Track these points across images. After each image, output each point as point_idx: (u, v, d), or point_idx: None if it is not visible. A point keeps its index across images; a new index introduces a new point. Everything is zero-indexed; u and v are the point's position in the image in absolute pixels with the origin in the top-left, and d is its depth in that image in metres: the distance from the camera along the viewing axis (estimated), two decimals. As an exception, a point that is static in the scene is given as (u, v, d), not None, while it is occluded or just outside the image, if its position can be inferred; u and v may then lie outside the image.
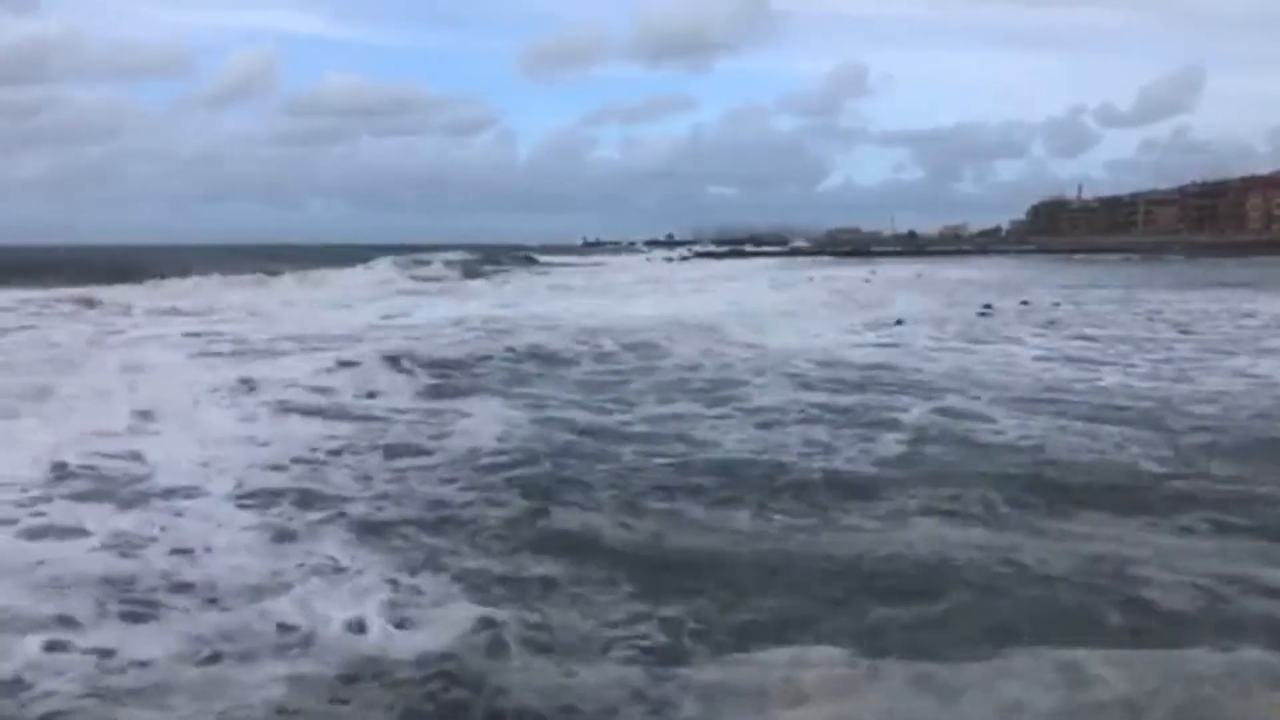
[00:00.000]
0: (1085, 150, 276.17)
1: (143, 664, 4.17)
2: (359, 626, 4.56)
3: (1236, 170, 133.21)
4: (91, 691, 3.94)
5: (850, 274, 47.42)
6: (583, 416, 9.75)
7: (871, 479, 7.32)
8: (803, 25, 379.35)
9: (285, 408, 9.75)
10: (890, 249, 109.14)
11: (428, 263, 46.12)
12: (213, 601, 4.85)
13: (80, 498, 6.62)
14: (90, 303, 24.08)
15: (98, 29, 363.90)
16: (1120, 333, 18.73)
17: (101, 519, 6.08)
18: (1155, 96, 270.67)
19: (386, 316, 21.87)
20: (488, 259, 55.77)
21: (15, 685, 3.98)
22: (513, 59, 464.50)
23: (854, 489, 7.00)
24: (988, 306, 24.03)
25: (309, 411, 9.66)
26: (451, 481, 7.16)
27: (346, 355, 13.14)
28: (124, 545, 5.61)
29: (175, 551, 5.54)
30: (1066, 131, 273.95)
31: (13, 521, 5.99)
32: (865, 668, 4.05)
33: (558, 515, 6.22)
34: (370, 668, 4.18)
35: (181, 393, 10.00)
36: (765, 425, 9.30)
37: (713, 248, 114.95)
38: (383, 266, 43.10)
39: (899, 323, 20.13)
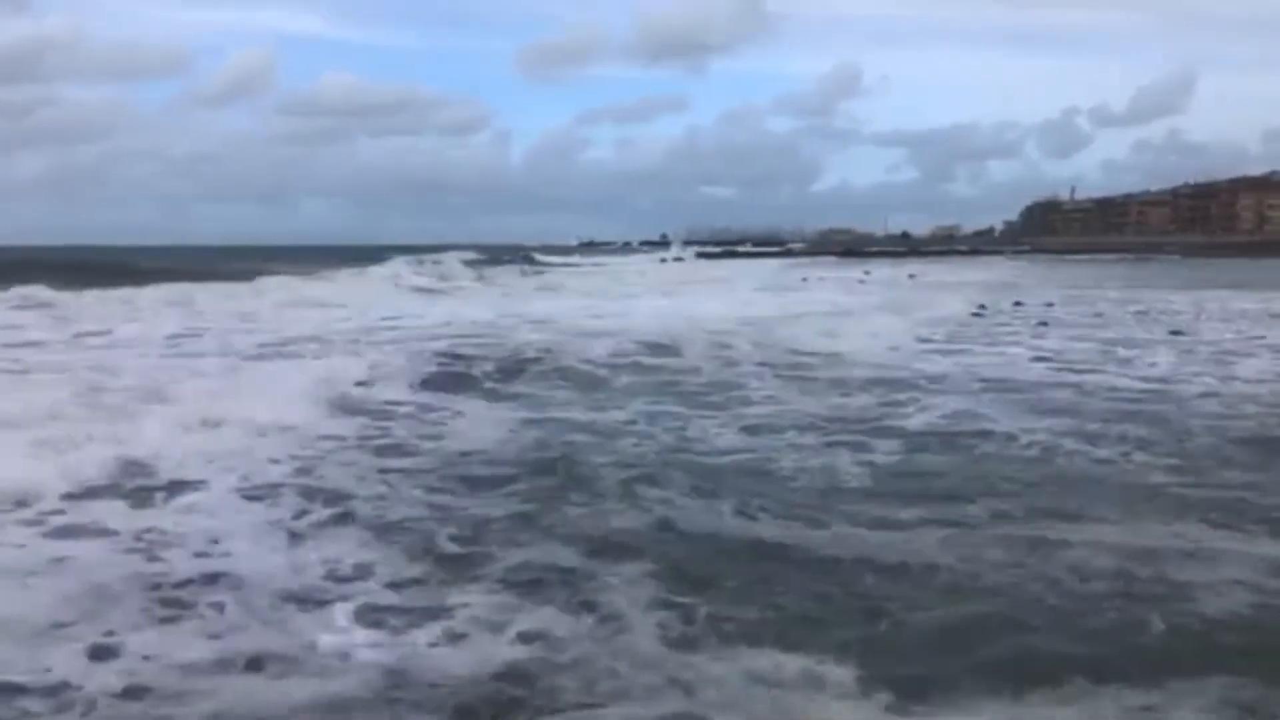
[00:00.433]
0: (1079, 151, 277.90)
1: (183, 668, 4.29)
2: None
3: (1228, 171, 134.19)
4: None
5: (850, 275, 47.68)
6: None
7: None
8: (798, 26, 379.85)
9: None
10: (886, 249, 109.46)
11: (439, 262, 46.33)
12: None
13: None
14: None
15: (94, 28, 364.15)
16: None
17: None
18: (1148, 98, 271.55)
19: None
20: (492, 260, 55.84)
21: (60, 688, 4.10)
22: (508, 59, 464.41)
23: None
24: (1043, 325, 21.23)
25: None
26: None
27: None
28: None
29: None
30: (1060, 132, 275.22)
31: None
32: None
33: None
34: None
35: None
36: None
37: (710, 249, 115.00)
38: (401, 267, 43.30)
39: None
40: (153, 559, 5.62)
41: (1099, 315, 23.51)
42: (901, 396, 11.28)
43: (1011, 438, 9.02)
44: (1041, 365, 14.36)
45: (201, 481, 7.23)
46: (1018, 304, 26.61)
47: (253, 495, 6.96)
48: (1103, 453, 8.42)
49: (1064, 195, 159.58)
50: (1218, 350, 16.08)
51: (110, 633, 4.61)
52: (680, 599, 5.00)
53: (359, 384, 11.31)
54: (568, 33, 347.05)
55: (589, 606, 4.93)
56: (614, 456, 8.19)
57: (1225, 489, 7.23)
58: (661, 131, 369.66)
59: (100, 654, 4.40)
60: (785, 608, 4.96)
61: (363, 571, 5.47)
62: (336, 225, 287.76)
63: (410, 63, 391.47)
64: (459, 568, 5.56)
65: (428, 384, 11.78)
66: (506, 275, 46.45)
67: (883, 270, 54.34)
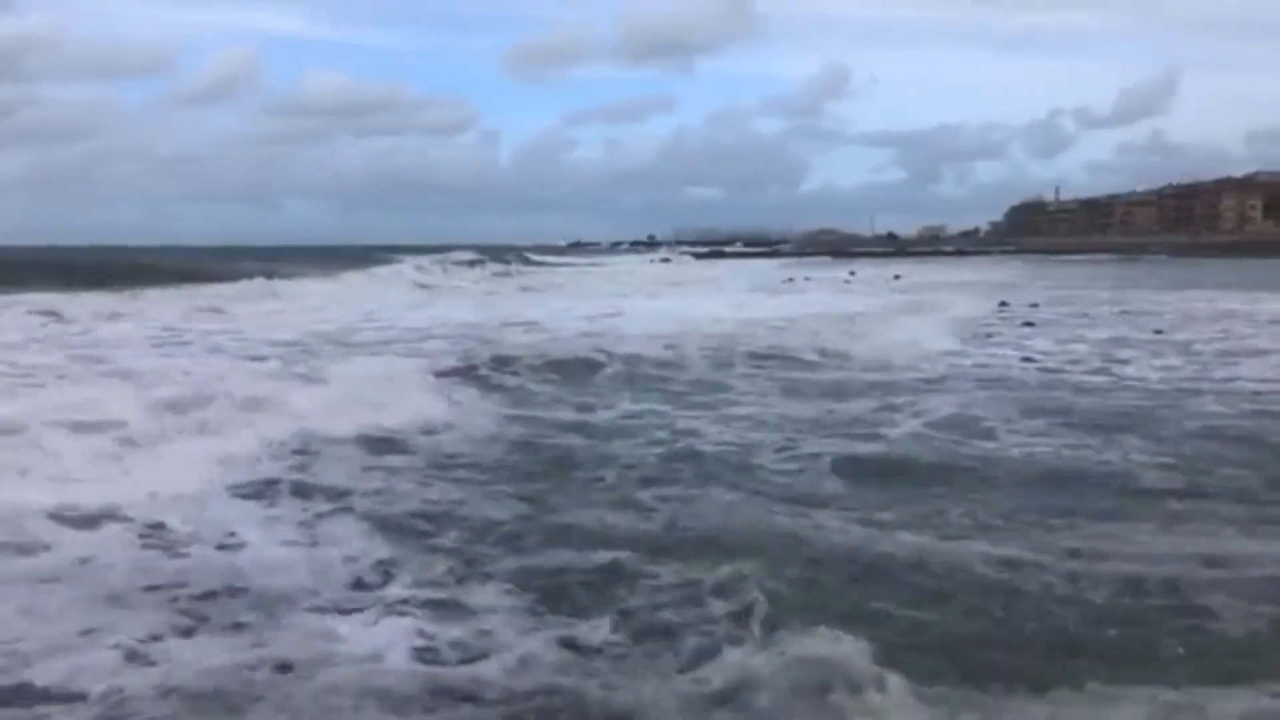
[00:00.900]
0: (1063, 152, 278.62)
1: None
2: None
3: (1212, 172, 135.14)
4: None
5: (851, 275, 47.63)
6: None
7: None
8: (785, 27, 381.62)
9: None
10: (872, 250, 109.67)
11: (442, 262, 46.71)
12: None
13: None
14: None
15: (77, 26, 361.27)
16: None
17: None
18: (1132, 99, 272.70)
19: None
20: (492, 259, 55.80)
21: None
22: (495, 59, 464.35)
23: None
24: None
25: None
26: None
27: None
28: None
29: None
30: (1045, 133, 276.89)
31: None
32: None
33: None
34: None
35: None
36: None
37: (698, 249, 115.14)
38: (410, 268, 43.72)
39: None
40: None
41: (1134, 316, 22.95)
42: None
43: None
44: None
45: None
46: (1033, 305, 26.09)
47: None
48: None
49: (1049, 196, 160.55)
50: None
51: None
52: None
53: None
54: (554, 33, 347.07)
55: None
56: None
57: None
58: (648, 132, 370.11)
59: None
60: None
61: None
62: (322, 225, 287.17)
63: (396, 63, 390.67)
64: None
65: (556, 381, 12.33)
66: (523, 275, 46.37)
67: (877, 270, 53.92)
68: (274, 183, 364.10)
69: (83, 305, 23.04)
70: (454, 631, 4.76)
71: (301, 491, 7.22)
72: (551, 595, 5.26)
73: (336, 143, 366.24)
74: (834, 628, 4.53)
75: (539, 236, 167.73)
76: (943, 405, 10.72)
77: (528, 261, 59.76)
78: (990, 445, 8.94)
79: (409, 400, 10.06)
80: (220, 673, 4.29)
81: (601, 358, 13.80)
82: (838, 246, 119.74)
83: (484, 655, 4.53)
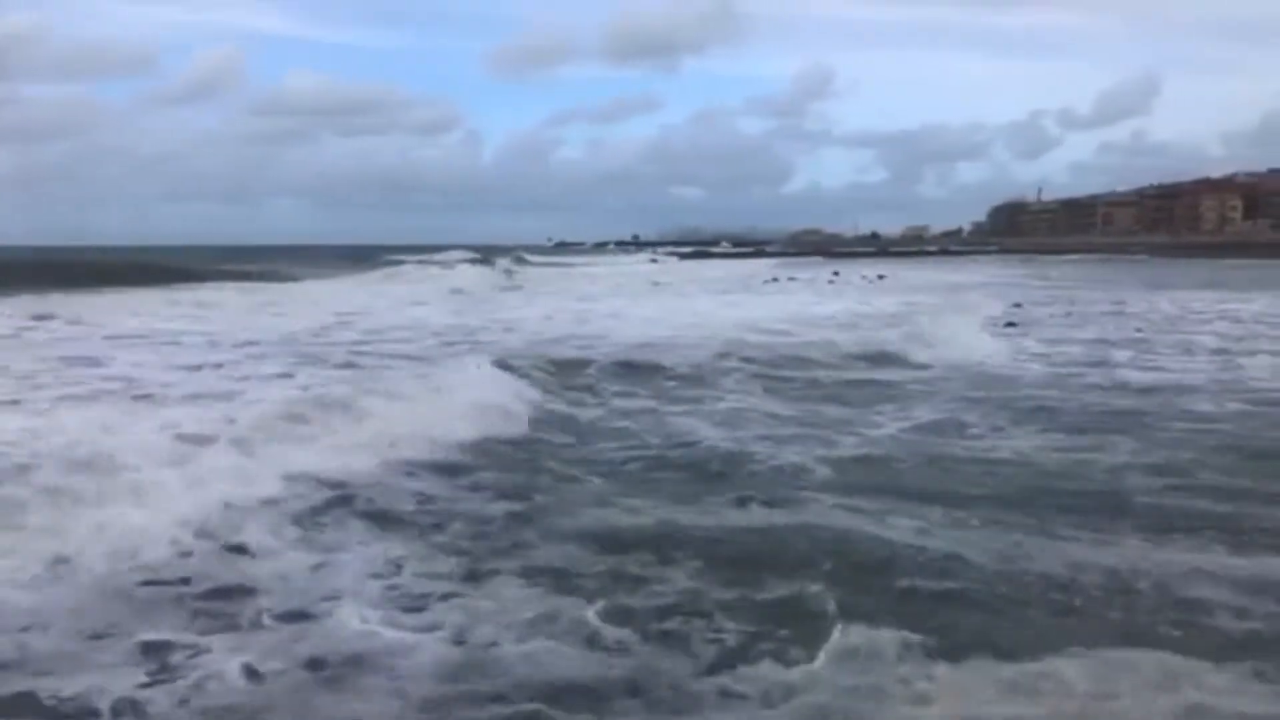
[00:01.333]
0: (1045, 152, 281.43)
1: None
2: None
3: (1192, 173, 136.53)
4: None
5: (851, 275, 47.47)
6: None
7: None
8: (769, 28, 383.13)
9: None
10: (858, 250, 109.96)
11: (446, 263, 47.18)
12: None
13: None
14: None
15: (58, 25, 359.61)
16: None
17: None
18: (1114, 100, 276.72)
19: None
20: (487, 260, 55.75)
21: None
22: (480, 60, 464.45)
23: None
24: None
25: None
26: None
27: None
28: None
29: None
30: (1027, 134, 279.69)
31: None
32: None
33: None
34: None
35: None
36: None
37: (683, 250, 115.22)
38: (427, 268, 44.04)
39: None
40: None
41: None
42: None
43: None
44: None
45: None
46: (1067, 313, 24.88)
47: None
48: None
49: (1031, 196, 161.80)
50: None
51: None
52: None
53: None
54: (539, 34, 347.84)
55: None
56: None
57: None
58: (633, 132, 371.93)
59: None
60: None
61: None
62: (305, 225, 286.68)
63: (380, 63, 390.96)
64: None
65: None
66: (529, 276, 46.35)
67: (867, 271, 53.38)
68: (257, 182, 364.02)
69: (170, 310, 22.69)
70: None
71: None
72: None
73: (320, 142, 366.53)
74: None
75: (523, 236, 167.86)
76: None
77: (523, 261, 59.74)
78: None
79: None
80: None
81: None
82: (822, 246, 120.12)
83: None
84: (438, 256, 49.56)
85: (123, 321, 19.30)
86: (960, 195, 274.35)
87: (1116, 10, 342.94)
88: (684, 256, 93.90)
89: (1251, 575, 5.42)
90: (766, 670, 4.34)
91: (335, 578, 5.44)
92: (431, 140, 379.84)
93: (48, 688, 4.17)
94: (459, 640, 4.67)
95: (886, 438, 9.23)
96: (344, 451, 7.79)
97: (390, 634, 4.71)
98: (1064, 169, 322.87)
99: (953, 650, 4.44)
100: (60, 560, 5.37)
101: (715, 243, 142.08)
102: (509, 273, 45.31)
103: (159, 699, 4.10)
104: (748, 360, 13.75)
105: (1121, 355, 15.43)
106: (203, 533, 5.97)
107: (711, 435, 9.23)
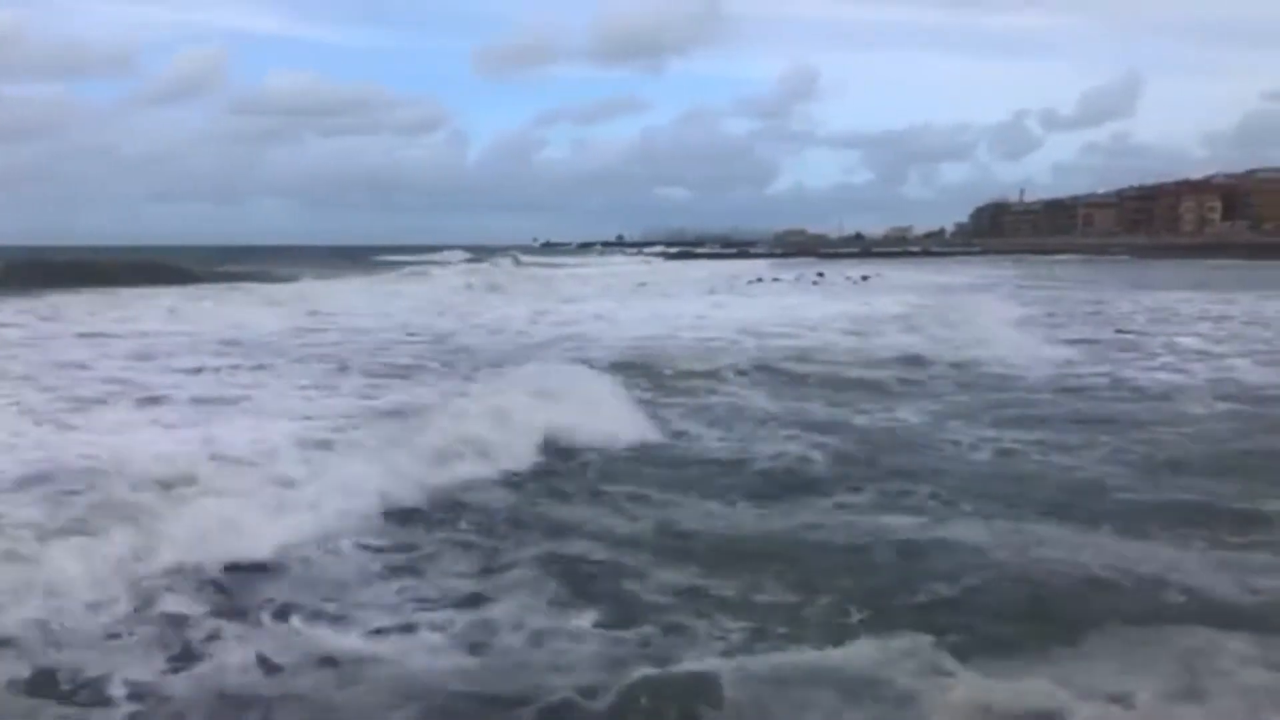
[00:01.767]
0: (1028, 153, 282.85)
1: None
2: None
3: (1172, 174, 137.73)
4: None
5: (855, 276, 47.52)
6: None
7: None
8: (755, 28, 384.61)
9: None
10: (844, 251, 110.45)
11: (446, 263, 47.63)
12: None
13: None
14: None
15: (37, 24, 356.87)
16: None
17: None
18: (1096, 101, 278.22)
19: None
20: (479, 259, 55.73)
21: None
22: (465, 59, 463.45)
23: None
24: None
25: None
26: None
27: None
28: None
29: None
30: (1010, 135, 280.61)
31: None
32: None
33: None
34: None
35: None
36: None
37: (668, 250, 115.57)
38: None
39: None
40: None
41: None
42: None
43: None
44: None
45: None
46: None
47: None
48: None
49: (1013, 197, 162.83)
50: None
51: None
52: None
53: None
54: (525, 33, 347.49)
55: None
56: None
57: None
58: (618, 133, 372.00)
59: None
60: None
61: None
62: (289, 225, 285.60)
63: (365, 62, 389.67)
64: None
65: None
66: (553, 276, 46.66)
67: (851, 271, 53.30)
68: (240, 182, 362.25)
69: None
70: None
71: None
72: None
73: (304, 142, 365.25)
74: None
75: (508, 237, 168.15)
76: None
77: (519, 263, 60.03)
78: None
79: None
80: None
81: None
82: (808, 247, 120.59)
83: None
84: (437, 257, 49.81)
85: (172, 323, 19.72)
86: (944, 196, 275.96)
87: (1099, 12, 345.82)
88: (669, 257, 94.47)
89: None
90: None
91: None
92: (416, 140, 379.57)
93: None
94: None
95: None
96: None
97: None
98: (1046, 170, 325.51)
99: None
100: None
101: (700, 243, 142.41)
102: (514, 272, 45.63)
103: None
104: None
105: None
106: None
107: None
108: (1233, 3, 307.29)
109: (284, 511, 6.17)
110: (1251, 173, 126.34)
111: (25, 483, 6.62)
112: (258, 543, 5.76)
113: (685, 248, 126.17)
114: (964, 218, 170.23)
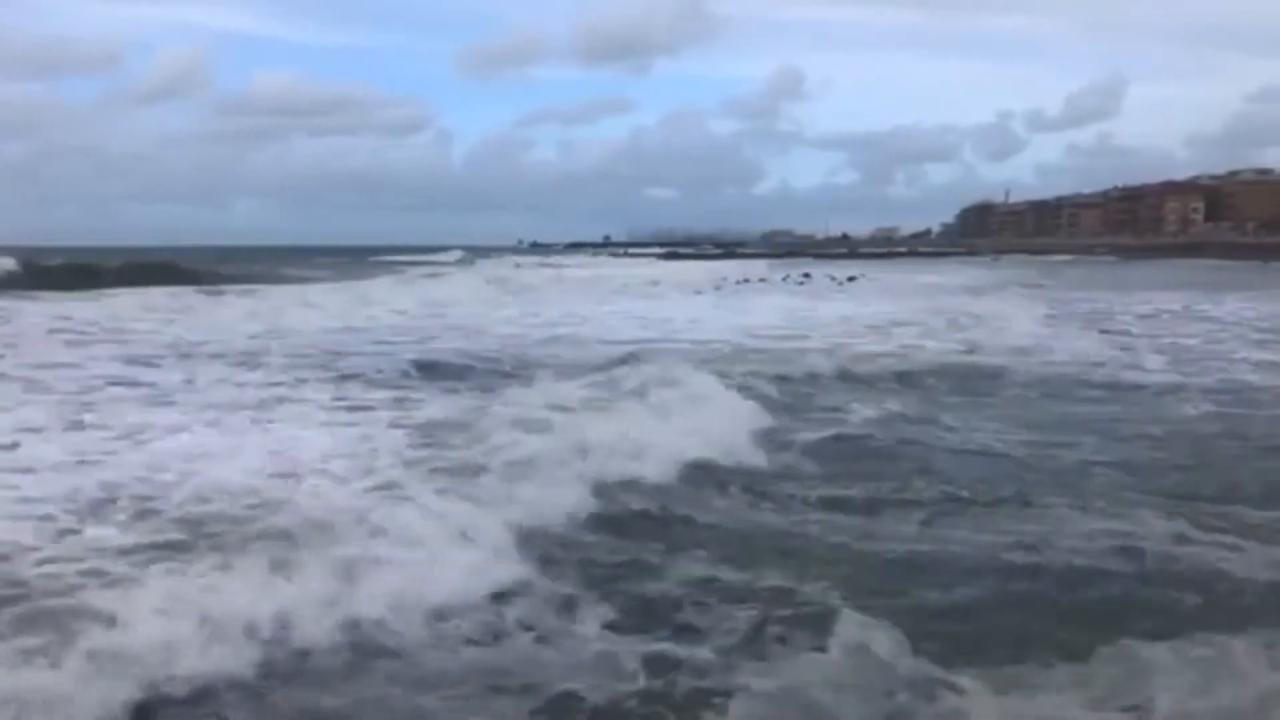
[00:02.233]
0: (1013, 155, 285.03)
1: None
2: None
3: (1156, 175, 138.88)
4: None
5: (841, 276, 47.60)
6: None
7: None
8: (741, 29, 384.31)
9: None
10: (834, 252, 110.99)
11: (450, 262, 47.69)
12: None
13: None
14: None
15: (17, 22, 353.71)
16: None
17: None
18: (1081, 103, 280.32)
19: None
20: (480, 258, 55.56)
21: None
22: (450, 60, 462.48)
23: None
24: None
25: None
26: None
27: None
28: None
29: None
30: (995, 136, 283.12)
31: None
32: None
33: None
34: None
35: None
36: None
37: (654, 251, 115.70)
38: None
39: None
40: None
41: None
42: None
43: None
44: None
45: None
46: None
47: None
48: None
49: (999, 198, 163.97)
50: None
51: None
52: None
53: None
54: (511, 34, 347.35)
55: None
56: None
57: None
58: (604, 133, 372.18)
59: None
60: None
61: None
62: (275, 225, 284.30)
63: (350, 62, 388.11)
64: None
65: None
66: (563, 277, 46.82)
67: (854, 271, 53.21)
68: (225, 182, 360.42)
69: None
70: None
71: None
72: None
73: (289, 142, 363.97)
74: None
75: (494, 237, 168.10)
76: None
77: (517, 266, 60.23)
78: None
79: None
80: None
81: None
82: (796, 248, 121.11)
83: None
84: (436, 257, 49.84)
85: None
86: (929, 197, 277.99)
87: (1084, 15, 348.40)
88: (659, 258, 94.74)
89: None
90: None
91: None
92: (402, 141, 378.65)
93: None
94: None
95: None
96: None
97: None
98: (1032, 171, 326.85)
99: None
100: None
101: (688, 244, 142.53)
102: (527, 273, 45.82)
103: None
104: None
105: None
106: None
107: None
108: (1216, 6, 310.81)
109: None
110: (1234, 173, 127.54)
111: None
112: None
113: (672, 248, 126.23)
114: (950, 218, 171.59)
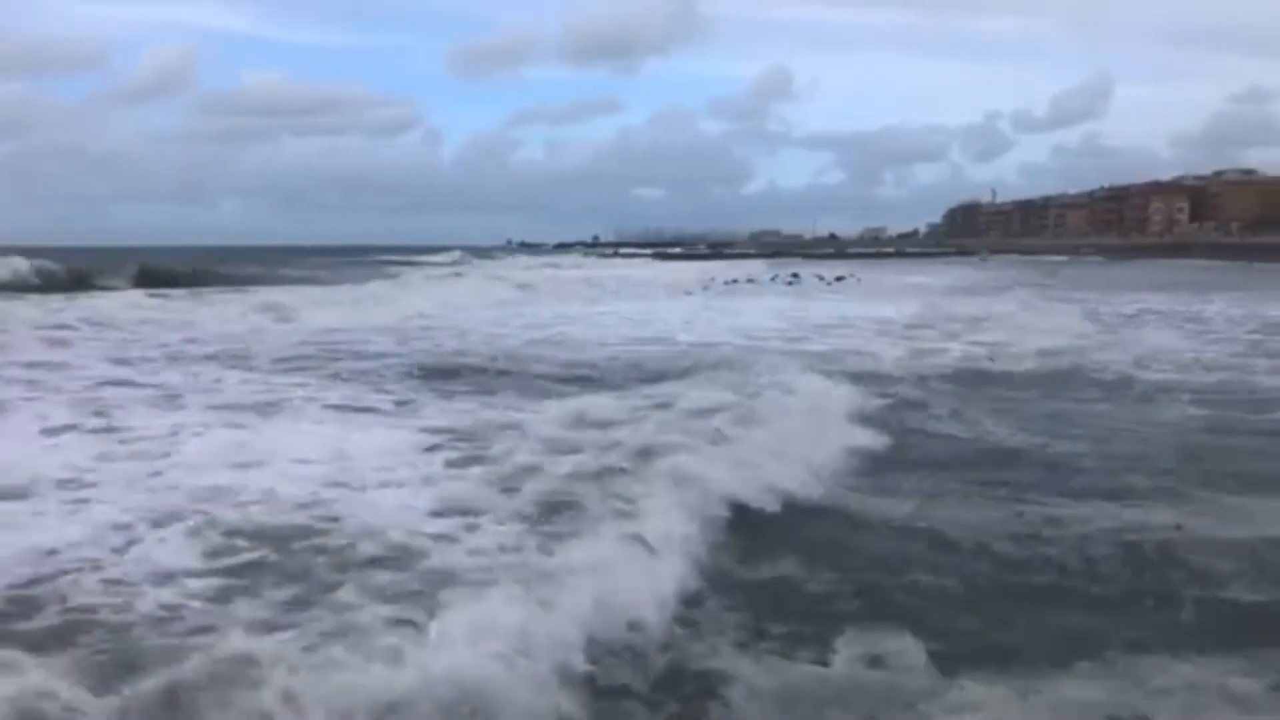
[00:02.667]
0: (1000, 155, 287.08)
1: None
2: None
3: (1141, 175, 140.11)
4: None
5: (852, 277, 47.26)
6: None
7: None
8: (730, 29, 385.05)
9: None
10: (821, 252, 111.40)
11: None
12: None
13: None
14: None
15: (3, 21, 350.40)
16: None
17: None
18: (1066, 103, 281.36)
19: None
20: (481, 257, 55.36)
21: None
22: (439, 59, 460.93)
23: None
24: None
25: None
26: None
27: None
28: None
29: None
30: (982, 136, 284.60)
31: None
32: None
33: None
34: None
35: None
36: None
37: (644, 251, 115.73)
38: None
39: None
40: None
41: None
42: None
43: None
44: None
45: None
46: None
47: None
48: None
49: (985, 198, 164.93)
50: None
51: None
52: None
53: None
54: (499, 33, 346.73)
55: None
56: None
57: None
58: (593, 133, 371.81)
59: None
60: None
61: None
62: (262, 225, 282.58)
63: (339, 62, 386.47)
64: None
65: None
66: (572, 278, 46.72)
67: (842, 271, 52.87)
68: (212, 182, 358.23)
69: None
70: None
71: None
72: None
73: (277, 142, 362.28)
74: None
75: (482, 237, 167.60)
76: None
77: (526, 266, 60.17)
78: None
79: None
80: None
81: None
82: (784, 248, 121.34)
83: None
84: (436, 257, 49.83)
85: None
86: (917, 197, 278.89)
87: (1070, 16, 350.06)
88: (650, 257, 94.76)
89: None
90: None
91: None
92: (390, 140, 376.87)
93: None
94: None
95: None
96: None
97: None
98: (1018, 171, 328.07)
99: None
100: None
101: (677, 244, 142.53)
102: (534, 274, 45.88)
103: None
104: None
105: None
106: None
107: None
108: (1201, 8, 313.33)
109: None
110: (1219, 174, 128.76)
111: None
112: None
113: (661, 248, 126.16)
114: (937, 218, 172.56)
